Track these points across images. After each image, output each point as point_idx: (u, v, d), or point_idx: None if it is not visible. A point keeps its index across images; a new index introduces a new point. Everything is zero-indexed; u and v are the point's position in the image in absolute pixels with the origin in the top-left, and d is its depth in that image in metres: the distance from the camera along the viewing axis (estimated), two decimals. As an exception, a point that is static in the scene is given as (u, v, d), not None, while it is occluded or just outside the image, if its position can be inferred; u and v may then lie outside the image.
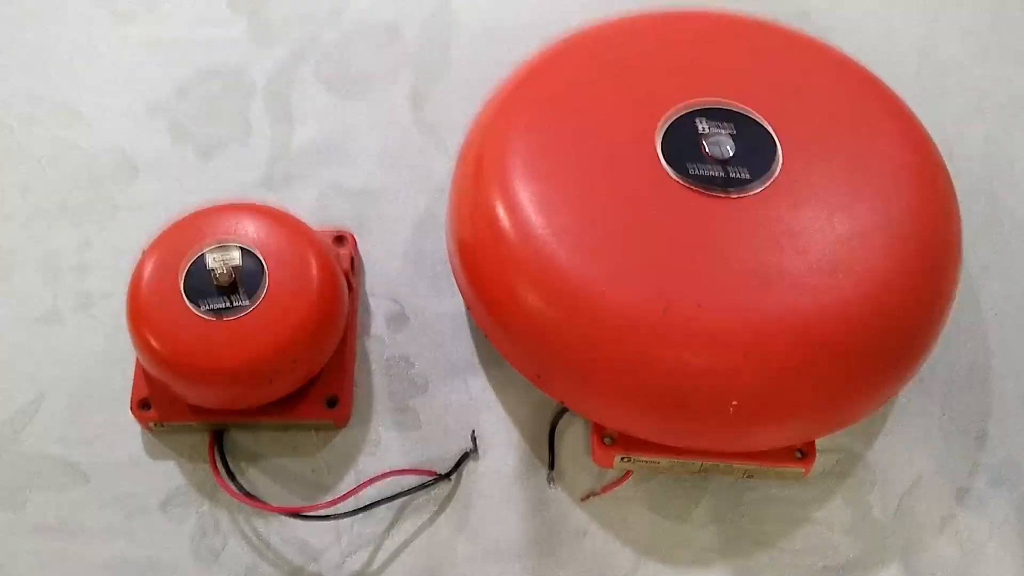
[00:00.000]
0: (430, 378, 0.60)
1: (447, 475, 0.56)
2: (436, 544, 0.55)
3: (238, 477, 0.56)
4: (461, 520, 0.56)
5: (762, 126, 0.55)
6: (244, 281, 0.54)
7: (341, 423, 0.58)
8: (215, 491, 0.56)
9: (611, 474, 0.56)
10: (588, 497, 0.56)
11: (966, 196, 0.64)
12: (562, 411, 0.58)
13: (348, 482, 0.57)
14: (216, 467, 0.56)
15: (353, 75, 0.70)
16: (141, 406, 0.56)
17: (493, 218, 0.53)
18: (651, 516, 0.56)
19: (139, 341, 0.54)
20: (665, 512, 0.56)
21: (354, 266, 0.61)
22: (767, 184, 0.53)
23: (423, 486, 0.56)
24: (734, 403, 0.49)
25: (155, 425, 0.57)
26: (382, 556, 0.55)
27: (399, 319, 0.62)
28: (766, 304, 0.50)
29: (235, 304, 0.53)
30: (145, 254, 0.56)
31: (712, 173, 0.53)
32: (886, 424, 0.59)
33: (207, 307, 0.53)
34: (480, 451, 0.57)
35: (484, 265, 0.54)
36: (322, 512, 0.54)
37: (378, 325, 0.61)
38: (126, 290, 0.55)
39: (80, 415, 0.58)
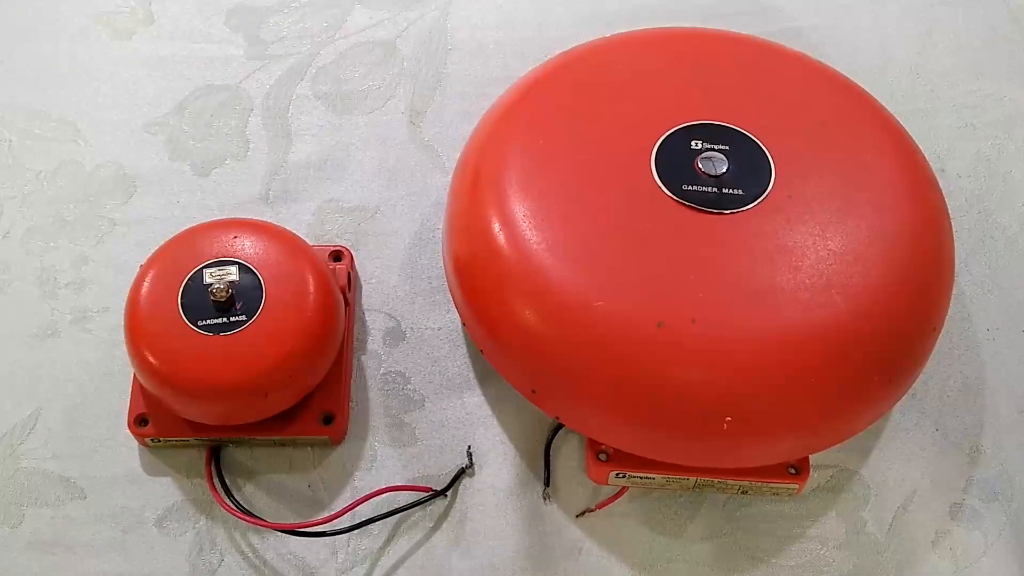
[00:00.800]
0: (426, 394, 0.60)
1: (443, 491, 0.56)
2: (432, 560, 0.55)
3: (235, 493, 0.56)
4: (457, 536, 0.56)
5: (755, 143, 0.55)
6: (241, 297, 0.54)
7: (337, 439, 0.58)
8: (212, 507, 0.56)
9: (606, 490, 0.56)
10: (583, 513, 0.56)
11: (958, 212, 0.64)
12: (557, 427, 0.58)
13: (344, 498, 0.57)
14: (213, 483, 0.56)
15: (350, 92, 0.71)
16: (138, 422, 0.57)
17: (489, 234, 0.53)
18: (646, 532, 0.56)
19: (136, 357, 0.54)
20: (660, 528, 0.56)
21: (351, 282, 0.61)
22: (760, 201, 0.53)
23: (419, 502, 0.56)
24: (728, 419, 0.49)
25: (152, 441, 0.57)
26: (378, 572, 0.55)
27: (395, 335, 0.62)
28: (760, 320, 0.50)
29: (232, 320, 0.54)
30: (142, 270, 0.56)
31: (706, 190, 0.53)
32: (880, 439, 0.59)
33: (204, 323, 0.53)
34: (476, 467, 0.58)
35: (480, 281, 0.54)
36: (318, 529, 0.54)
37: (374, 341, 0.61)
38: (123, 305, 0.55)
39: (77, 430, 0.58)
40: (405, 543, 0.56)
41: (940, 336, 0.55)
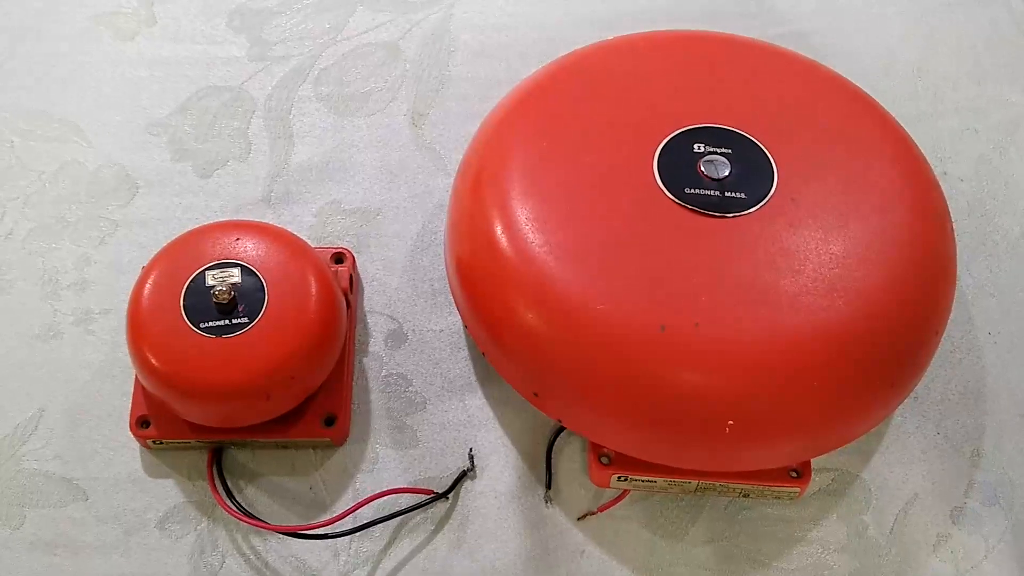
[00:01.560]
0: (428, 396, 0.60)
1: (444, 494, 0.56)
2: (434, 563, 0.55)
3: (236, 495, 0.56)
4: (458, 539, 0.56)
5: (758, 147, 0.55)
6: (243, 299, 0.54)
7: (339, 441, 0.58)
8: (213, 509, 0.56)
9: (608, 493, 0.56)
10: (585, 516, 0.56)
11: (960, 215, 0.64)
12: (559, 430, 0.58)
13: (346, 500, 0.57)
14: (214, 485, 0.56)
15: (352, 93, 0.71)
16: (140, 424, 0.57)
17: (491, 236, 0.54)
18: (647, 535, 0.56)
19: (138, 359, 0.54)
20: (661, 531, 0.56)
21: (353, 284, 0.61)
22: (763, 205, 0.53)
23: (421, 505, 0.56)
24: (730, 422, 0.49)
25: (154, 443, 0.57)
26: (380, 575, 0.55)
27: (397, 337, 0.62)
28: (763, 323, 0.50)
29: (234, 322, 0.54)
30: (145, 271, 0.56)
31: (708, 194, 0.54)
32: (881, 443, 0.59)
33: (206, 325, 0.53)
34: (477, 470, 0.58)
35: (482, 283, 0.54)
36: (320, 531, 0.54)
37: (376, 343, 0.61)
38: (125, 307, 0.55)
39: (79, 432, 0.58)
40: (407, 545, 0.56)
41: (941, 339, 0.55)
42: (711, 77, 0.59)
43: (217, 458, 0.57)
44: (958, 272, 0.57)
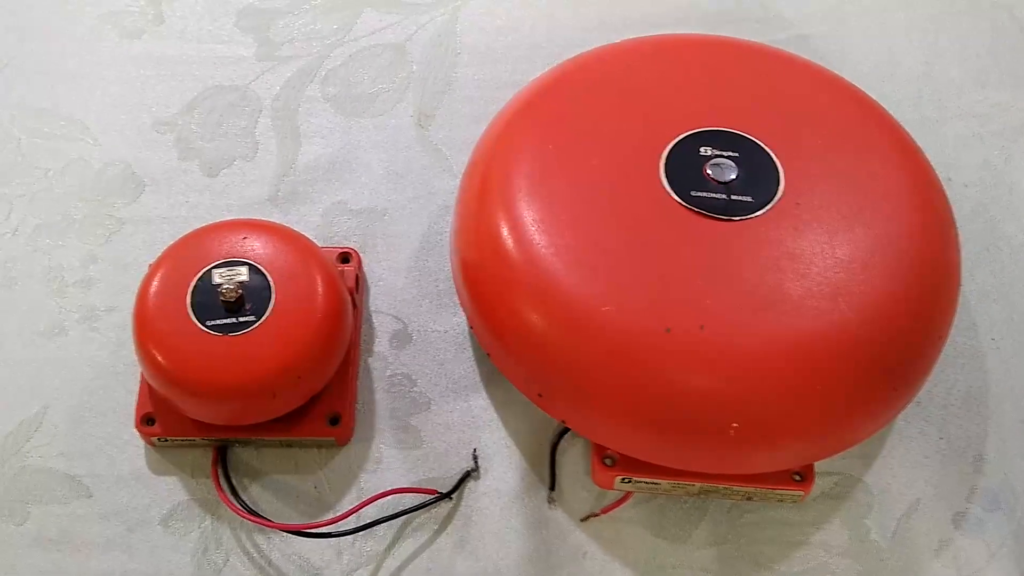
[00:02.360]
0: (432, 396, 0.60)
1: (448, 494, 0.56)
2: (437, 562, 0.55)
3: (240, 493, 0.56)
4: (462, 539, 0.56)
5: (764, 151, 0.56)
6: (250, 298, 0.54)
7: (343, 441, 0.58)
8: (217, 507, 0.56)
9: (611, 495, 0.57)
10: (588, 518, 0.56)
11: (964, 221, 0.64)
12: (563, 431, 0.58)
13: (350, 499, 0.57)
14: (219, 483, 0.56)
15: (359, 94, 0.71)
16: (145, 421, 0.57)
17: (497, 238, 0.54)
18: (650, 537, 0.56)
19: (145, 356, 0.54)
20: (665, 533, 0.56)
21: (358, 284, 0.62)
22: (769, 208, 0.53)
23: (424, 505, 0.56)
24: (735, 425, 0.49)
25: (158, 440, 0.57)
26: (383, 574, 0.55)
27: (402, 337, 0.62)
28: (768, 326, 0.50)
29: (241, 320, 0.54)
30: (152, 269, 0.56)
31: (715, 197, 0.54)
32: (884, 447, 0.59)
33: (213, 323, 0.53)
34: (481, 470, 0.58)
35: (487, 284, 0.54)
36: (323, 530, 0.54)
37: (381, 343, 0.62)
38: (130, 304, 0.55)
39: (83, 429, 0.59)
40: (410, 545, 0.56)
41: (945, 344, 0.55)
42: (717, 81, 0.59)
43: (222, 456, 0.57)
44: (962, 277, 0.57)
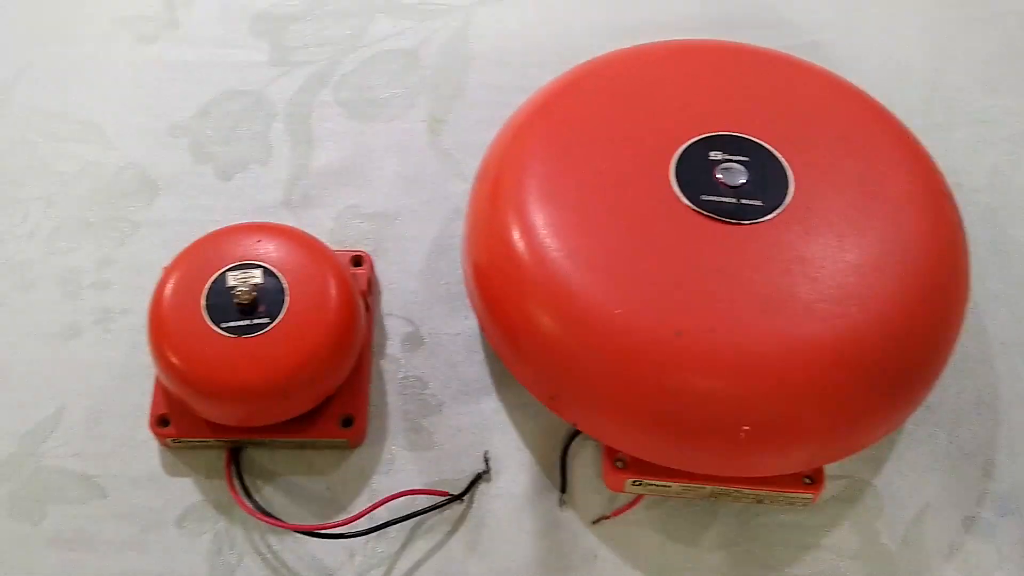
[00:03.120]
0: (444, 399, 0.60)
1: (460, 496, 0.57)
2: (448, 564, 0.56)
3: (254, 494, 0.57)
4: (473, 541, 0.56)
5: (774, 156, 0.56)
6: (264, 300, 0.55)
7: (356, 442, 0.58)
8: (231, 508, 0.57)
9: (622, 498, 0.57)
10: (599, 520, 0.57)
11: (974, 226, 0.64)
12: (574, 434, 0.58)
13: (362, 500, 0.57)
14: (232, 484, 0.56)
15: (371, 99, 0.71)
16: (159, 423, 0.57)
17: (508, 241, 0.54)
18: (661, 540, 0.56)
19: (160, 358, 0.55)
20: (675, 536, 0.56)
21: (371, 287, 0.62)
22: (779, 212, 0.54)
23: (436, 507, 0.56)
24: (745, 428, 0.49)
25: (173, 441, 0.57)
26: (395, 575, 0.55)
27: (414, 340, 0.62)
28: (778, 330, 0.50)
29: (255, 323, 0.54)
30: (167, 271, 0.56)
31: (725, 201, 0.54)
32: (894, 451, 0.59)
33: (227, 325, 0.54)
34: (492, 472, 0.58)
35: (498, 287, 0.55)
36: (336, 531, 0.55)
37: (393, 345, 0.62)
38: (145, 307, 0.56)
39: (98, 430, 0.59)
40: (422, 547, 0.56)
41: (954, 349, 0.55)
42: (728, 86, 0.59)
43: (235, 457, 0.57)
44: (971, 282, 0.57)
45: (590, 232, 0.53)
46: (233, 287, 0.55)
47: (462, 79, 0.72)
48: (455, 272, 0.64)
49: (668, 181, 0.55)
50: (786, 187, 0.55)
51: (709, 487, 0.54)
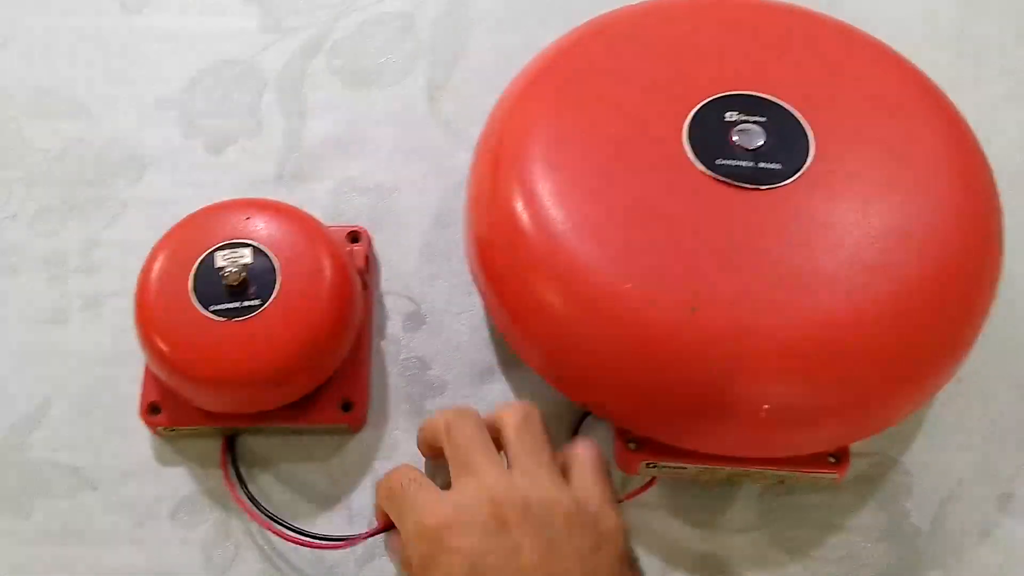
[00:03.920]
0: (448, 380, 0.58)
1: (465, 482, 0.54)
2: (455, 553, 0.53)
3: (250, 483, 0.54)
4: (480, 528, 0.54)
5: (793, 116, 0.53)
6: (255, 281, 0.52)
7: (357, 427, 0.56)
8: (226, 498, 0.54)
9: (635, 480, 0.54)
10: (612, 504, 0.54)
11: (1006, 186, 0.61)
12: (584, 415, 0.56)
13: (364, 487, 0.55)
14: (228, 476, 0.54)
15: (367, 66, 0.69)
16: (150, 411, 0.55)
17: (511, 213, 0.51)
18: (677, 524, 0.54)
19: (147, 344, 0.52)
20: (692, 520, 0.54)
21: (369, 264, 0.60)
22: (799, 176, 0.51)
23: (441, 493, 0.54)
24: (765, 406, 0.47)
25: (165, 430, 0.55)
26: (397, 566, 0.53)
27: (415, 319, 0.60)
28: (799, 303, 0.48)
29: (245, 305, 0.52)
30: (152, 253, 0.54)
31: (742, 164, 0.51)
32: (923, 427, 0.57)
33: (216, 308, 0.52)
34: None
35: (502, 263, 0.52)
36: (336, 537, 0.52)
37: (394, 325, 0.60)
38: (134, 290, 0.54)
39: (87, 419, 0.57)
40: (427, 535, 0.54)
41: (987, 318, 0.52)
42: (743, 42, 0.57)
43: (231, 446, 0.55)
44: (1004, 247, 0.54)
45: (597, 201, 0.51)
46: (221, 268, 0.52)
47: (462, 42, 0.69)
48: (458, 247, 0.61)
49: (681, 145, 0.52)
50: (807, 149, 0.52)
51: (727, 468, 0.52)
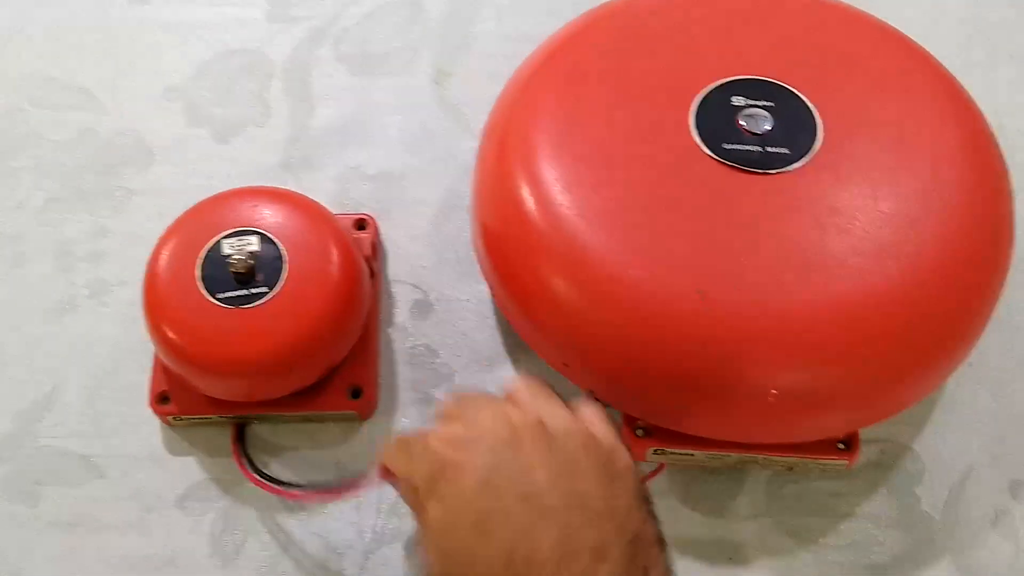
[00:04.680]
0: (455, 368, 0.58)
1: (473, 468, 0.54)
2: (463, 540, 0.53)
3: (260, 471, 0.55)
4: (488, 515, 0.54)
5: (801, 100, 0.53)
6: (262, 268, 0.52)
7: (366, 414, 0.56)
8: (234, 486, 0.55)
9: (643, 467, 0.54)
10: (620, 491, 0.54)
11: (1018, 171, 0.61)
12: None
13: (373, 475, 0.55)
14: (240, 461, 0.54)
15: (373, 53, 0.68)
16: (160, 400, 0.55)
17: (518, 199, 0.51)
18: (686, 511, 0.54)
19: (155, 332, 0.53)
20: (700, 507, 0.54)
21: (376, 252, 0.59)
22: (807, 160, 0.51)
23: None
24: (774, 392, 0.47)
25: (174, 419, 0.55)
26: (405, 552, 0.53)
27: (423, 306, 0.60)
28: (808, 287, 0.47)
29: (253, 292, 0.52)
30: (160, 242, 0.54)
31: (749, 149, 0.51)
32: (934, 412, 0.56)
33: (224, 296, 0.51)
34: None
35: (509, 249, 0.52)
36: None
37: (401, 313, 0.59)
38: (142, 278, 0.53)
39: (96, 408, 0.57)
40: (435, 522, 0.54)
41: (998, 302, 0.52)
42: (750, 27, 0.56)
43: (240, 433, 0.55)
44: (1015, 231, 0.53)
45: (604, 187, 0.50)
46: (228, 255, 0.52)
47: (469, 29, 0.69)
48: (464, 235, 0.61)
49: (688, 130, 0.52)
50: (814, 133, 0.52)
51: (736, 455, 0.52)
